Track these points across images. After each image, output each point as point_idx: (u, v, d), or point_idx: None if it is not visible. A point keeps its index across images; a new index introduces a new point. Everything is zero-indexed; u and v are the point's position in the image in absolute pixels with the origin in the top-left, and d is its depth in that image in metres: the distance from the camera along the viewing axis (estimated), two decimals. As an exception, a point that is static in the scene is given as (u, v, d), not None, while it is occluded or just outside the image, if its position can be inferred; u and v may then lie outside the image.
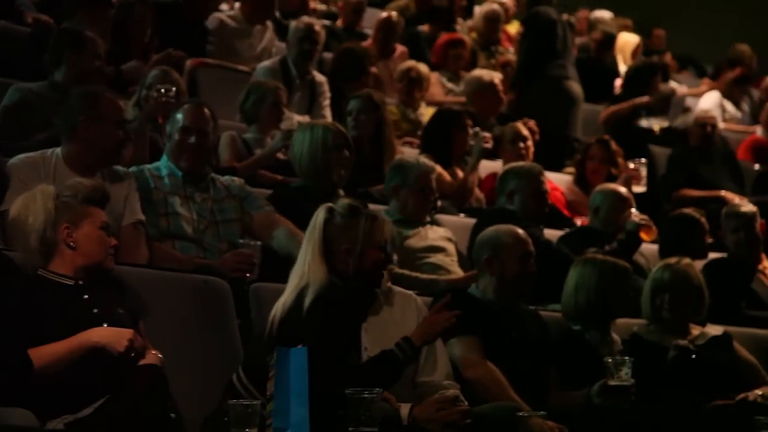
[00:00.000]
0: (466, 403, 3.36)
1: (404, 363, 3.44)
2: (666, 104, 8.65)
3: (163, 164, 4.25)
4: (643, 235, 5.32)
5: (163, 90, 4.82)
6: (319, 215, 3.54)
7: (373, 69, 6.96)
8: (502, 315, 4.11)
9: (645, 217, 5.40)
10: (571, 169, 6.98)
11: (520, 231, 4.23)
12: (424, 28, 8.88)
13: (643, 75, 8.16)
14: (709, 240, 6.11)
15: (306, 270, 3.47)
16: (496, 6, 9.12)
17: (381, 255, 3.52)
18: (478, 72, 7.11)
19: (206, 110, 4.28)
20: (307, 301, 3.39)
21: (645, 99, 7.97)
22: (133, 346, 3.08)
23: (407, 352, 3.43)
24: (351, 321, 3.48)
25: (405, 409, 3.30)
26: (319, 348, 3.20)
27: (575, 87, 7.77)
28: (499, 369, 3.90)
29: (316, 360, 3.14)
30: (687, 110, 9.40)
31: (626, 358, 3.85)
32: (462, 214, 5.73)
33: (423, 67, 7.19)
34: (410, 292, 3.76)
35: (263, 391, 3.19)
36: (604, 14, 10.70)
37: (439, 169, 5.53)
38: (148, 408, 3.01)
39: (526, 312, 4.30)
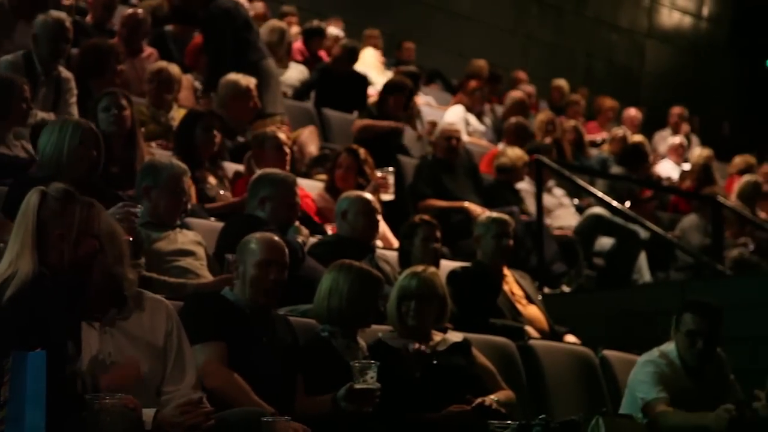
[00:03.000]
0: (210, 406, 3.31)
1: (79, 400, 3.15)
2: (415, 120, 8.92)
3: None
4: None
5: None
6: (32, 199, 3.28)
7: (121, 67, 6.77)
8: (254, 319, 4.09)
9: None
10: (322, 176, 7.04)
11: (274, 239, 4.23)
12: (173, 28, 8.70)
13: (394, 92, 8.30)
14: (444, 249, 6.30)
15: (14, 258, 3.22)
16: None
17: (95, 244, 3.31)
18: (233, 76, 7.03)
19: None
20: (8, 293, 3.15)
21: (402, 125, 8.15)
22: None
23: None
24: (64, 317, 3.23)
25: (149, 414, 3.22)
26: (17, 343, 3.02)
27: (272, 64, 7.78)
28: (248, 374, 3.87)
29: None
30: (434, 123, 9.67)
31: (372, 362, 3.90)
32: (212, 218, 5.68)
33: (174, 69, 7.06)
34: (161, 297, 3.67)
35: None
36: (334, 29, 10.83)
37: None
38: None
39: (277, 317, 4.29)
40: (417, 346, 4.60)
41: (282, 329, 4.24)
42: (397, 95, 8.25)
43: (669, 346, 5.08)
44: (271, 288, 4.12)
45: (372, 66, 10.56)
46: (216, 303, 4.07)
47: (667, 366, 4.99)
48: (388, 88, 8.41)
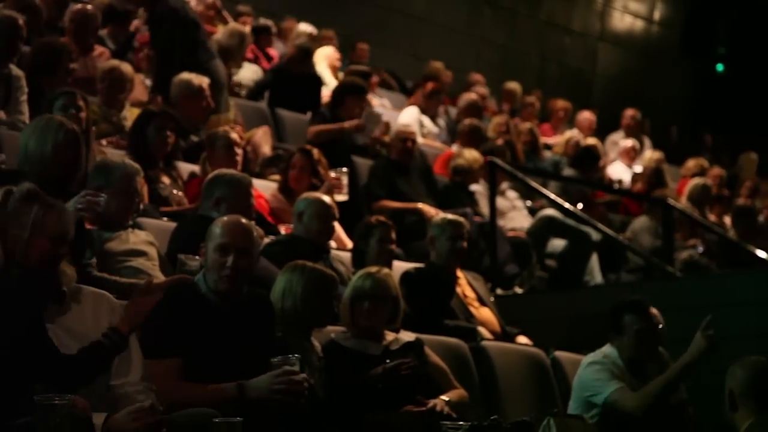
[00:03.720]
0: (160, 412, 3.29)
1: (112, 351, 3.37)
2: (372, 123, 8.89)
3: None
4: None
5: None
6: None
7: (74, 65, 6.70)
8: (221, 307, 3.98)
9: None
10: (276, 177, 7.03)
11: (240, 222, 4.10)
12: (107, 29, 8.61)
13: (346, 94, 8.28)
14: (398, 250, 6.31)
15: None
16: (201, 8, 9.06)
17: (47, 246, 3.33)
18: (186, 75, 6.98)
19: None
20: None
21: (354, 123, 8.11)
22: None
23: (114, 340, 3.35)
24: (29, 312, 3.29)
25: (99, 418, 3.20)
26: None
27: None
28: (208, 369, 3.82)
29: None
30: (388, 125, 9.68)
31: (291, 356, 3.86)
32: (165, 218, 5.65)
33: (127, 68, 7.01)
34: (103, 291, 3.65)
35: None
36: (306, 27, 10.82)
37: None
38: None
39: (253, 301, 4.18)
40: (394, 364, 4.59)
41: (255, 314, 4.09)
42: (353, 97, 8.25)
43: (608, 349, 5.15)
44: (231, 275, 3.94)
45: (328, 66, 10.57)
46: (179, 298, 3.96)
47: (613, 365, 5.05)
48: (343, 89, 8.40)
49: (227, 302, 3.98)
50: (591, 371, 5.07)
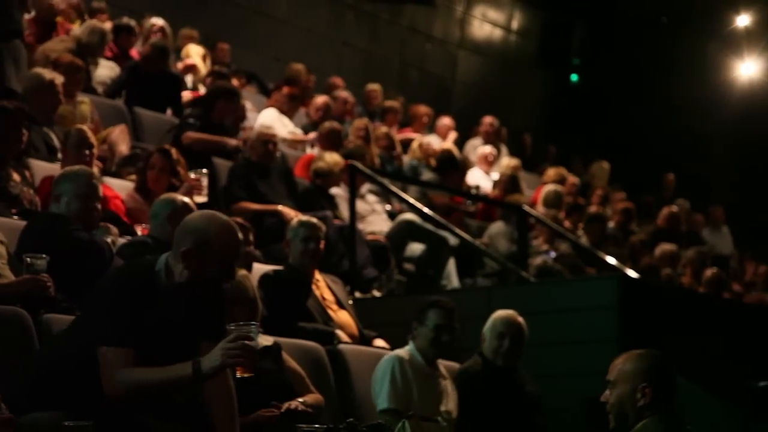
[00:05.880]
0: (7, 413, 3.21)
1: None
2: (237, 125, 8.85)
3: None
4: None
5: None
6: None
7: None
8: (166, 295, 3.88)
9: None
10: (133, 176, 6.91)
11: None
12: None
13: (218, 98, 8.21)
14: (257, 252, 6.27)
15: None
16: (64, 5, 8.85)
17: None
18: (38, 70, 6.81)
19: None
20: None
21: (234, 142, 8.05)
22: None
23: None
24: None
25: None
26: None
27: None
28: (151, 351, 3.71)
29: None
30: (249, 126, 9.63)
31: (252, 323, 3.77)
32: (15, 216, 5.49)
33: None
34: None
35: None
36: (158, 20, 10.68)
37: None
38: None
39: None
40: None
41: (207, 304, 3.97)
42: (225, 101, 8.17)
43: (409, 347, 5.52)
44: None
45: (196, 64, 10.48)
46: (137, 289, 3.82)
47: (409, 364, 5.39)
48: (216, 93, 8.31)
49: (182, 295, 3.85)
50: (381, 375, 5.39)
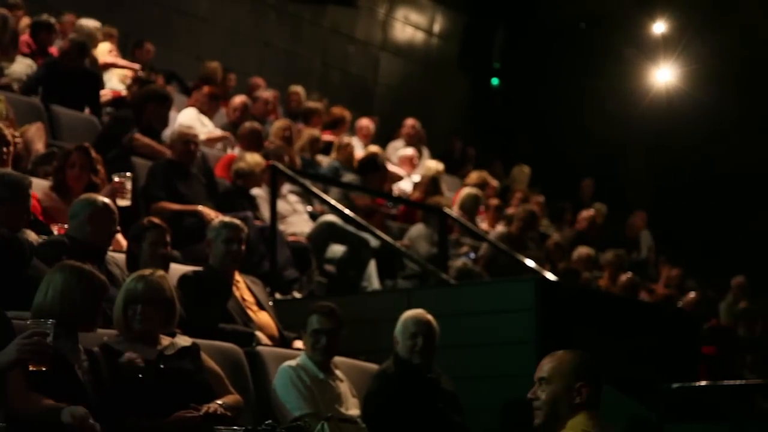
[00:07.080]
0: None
1: None
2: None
3: None
4: None
5: None
6: None
7: None
8: None
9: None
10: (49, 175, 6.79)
11: None
12: None
13: (148, 101, 8.10)
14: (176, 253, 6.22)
15: None
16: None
17: None
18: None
19: None
20: None
21: (170, 153, 7.91)
22: None
23: None
24: None
25: None
26: None
27: None
28: None
29: None
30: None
31: (49, 320, 3.84)
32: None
33: None
34: None
35: None
36: (89, 22, 10.55)
37: None
38: None
39: None
40: (128, 357, 4.51)
41: None
42: (155, 104, 8.06)
43: (301, 355, 5.57)
44: None
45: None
46: None
47: (303, 371, 5.41)
48: (146, 96, 8.19)
49: None
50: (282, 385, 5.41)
